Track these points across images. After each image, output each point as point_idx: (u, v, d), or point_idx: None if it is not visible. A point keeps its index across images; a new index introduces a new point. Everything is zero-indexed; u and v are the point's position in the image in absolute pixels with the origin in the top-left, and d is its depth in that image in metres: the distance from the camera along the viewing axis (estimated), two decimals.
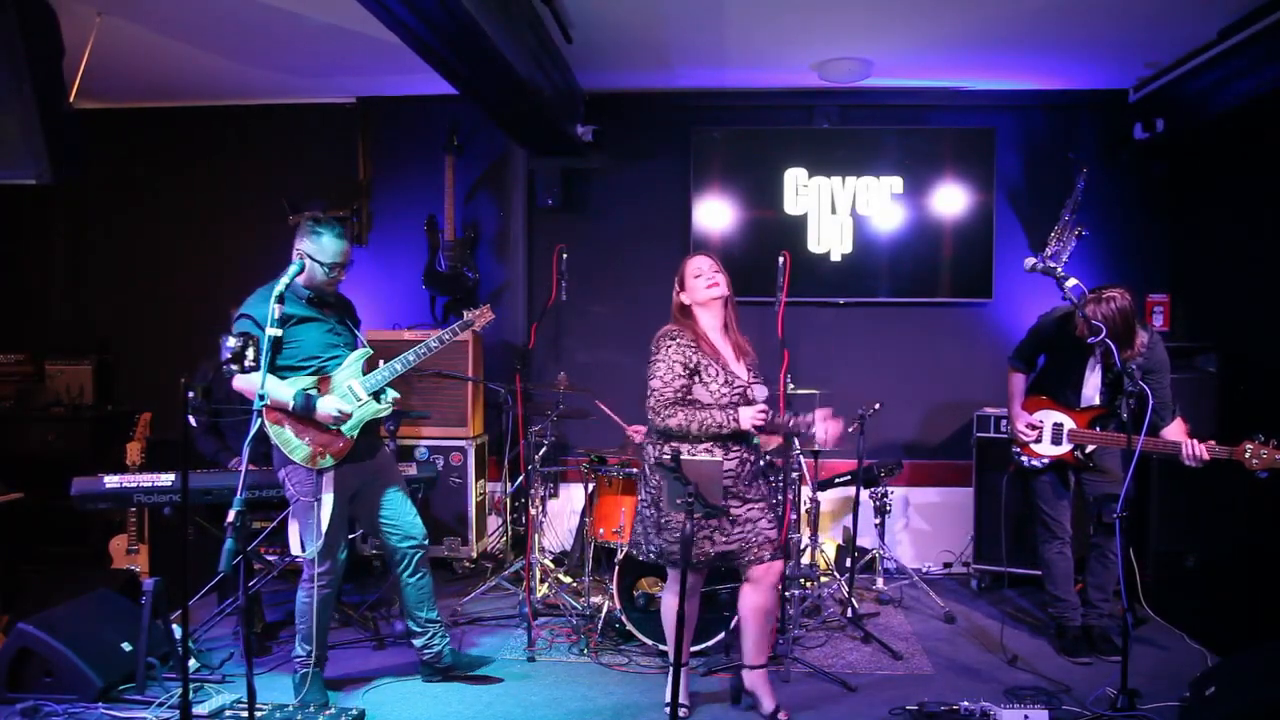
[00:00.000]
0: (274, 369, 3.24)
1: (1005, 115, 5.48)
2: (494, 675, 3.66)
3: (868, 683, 3.66)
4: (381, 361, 3.47)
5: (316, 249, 3.31)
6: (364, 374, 3.42)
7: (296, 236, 3.35)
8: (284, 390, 3.22)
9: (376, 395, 3.40)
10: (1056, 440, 3.88)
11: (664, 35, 4.59)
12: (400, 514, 3.51)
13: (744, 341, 3.31)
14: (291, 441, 3.25)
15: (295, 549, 3.34)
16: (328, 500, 3.26)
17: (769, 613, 3.30)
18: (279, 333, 2.88)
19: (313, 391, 3.26)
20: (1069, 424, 3.86)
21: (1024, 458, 3.95)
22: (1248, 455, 3.39)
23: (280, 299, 2.86)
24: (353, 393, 3.35)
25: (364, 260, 5.66)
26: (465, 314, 3.68)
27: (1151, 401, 3.49)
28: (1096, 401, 3.86)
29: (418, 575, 3.54)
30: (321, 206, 5.68)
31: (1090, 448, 3.85)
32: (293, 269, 2.83)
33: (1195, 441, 3.50)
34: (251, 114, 5.78)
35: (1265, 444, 3.36)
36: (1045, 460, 3.90)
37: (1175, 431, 3.67)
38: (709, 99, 5.59)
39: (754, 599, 3.24)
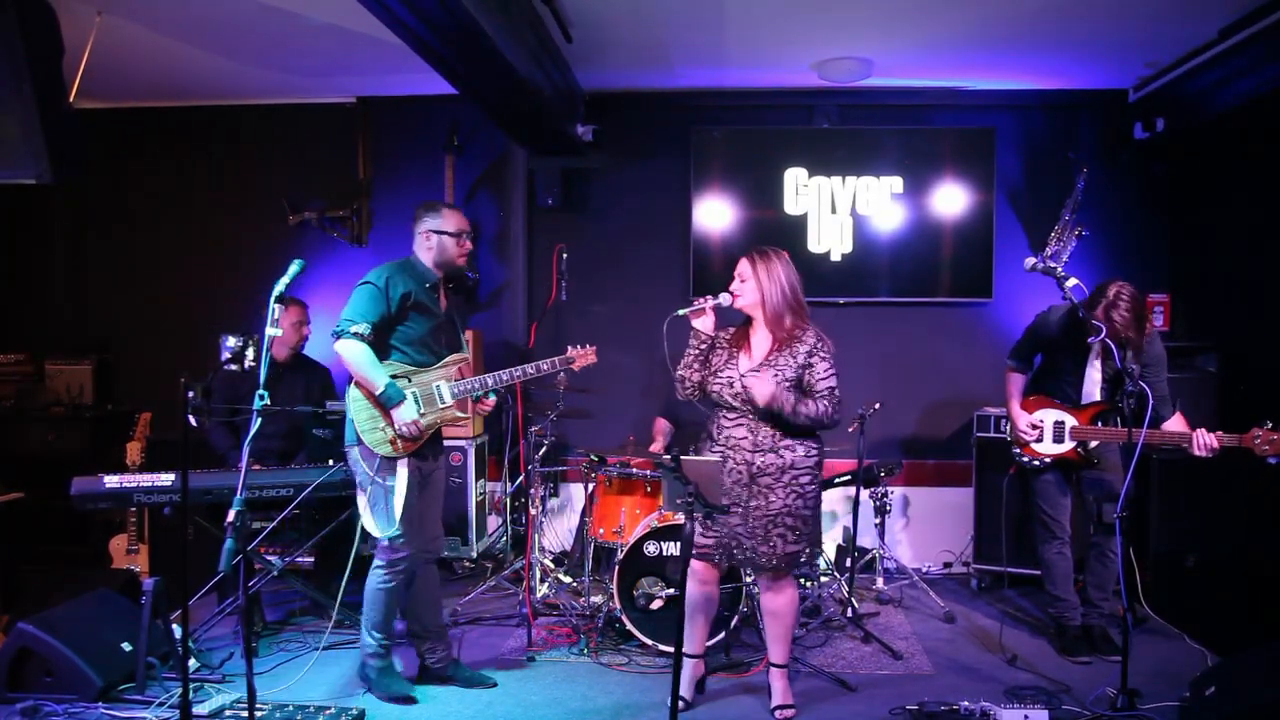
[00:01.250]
0: (381, 342, 3.28)
1: (1005, 115, 5.48)
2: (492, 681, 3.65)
3: (868, 682, 3.66)
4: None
5: (441, 221, 3.40)
6: (455, 379, 3.44)
7: (417, 223, 3.43)
8: (378, 373, 3.23)
9: (460, 403, 3.42)
10: (1058, 438, 3.87)
11: (664, 35, 4.59)
12: (435, 521, 3.54)
13: (798, 331, 3.20)
14: (368, 422, 3.26)
15: (370, 529, 3.34)
16: (401, 484, 3.28)
17: (772, 614, 3.32)
18: (278, 332, 2.87)
19: (410, 392, 3.28)
20: (1071, 421, 3.86)
21: (1025, 457, 3.95)
22: (1257, 441, 3.40)
23: (287, 299, 2.86)
24: (439, 393, 3.37)
25: (364, 260, 5.65)
26: (569, 350, 3.65)
27: (1151, 400, 3.49)
28: (1097, 397, 3.86)
29: (429, 583, 3.54)
30: (321, 206, 5.69)
31: (1093, 444, 3.85)
32: (293, 268, 2.82)
33: (1205, 431, 3.52)
34: (251, 114, 5.78)
35: (1275, 430, 3.37)
36: (1047, 459, 3.90)
37: (1177, 424, 3.69)
38: (709, 99, 5.59)
39: (763, 598, 3.31)
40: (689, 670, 3.42)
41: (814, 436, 3.25)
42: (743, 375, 3.18)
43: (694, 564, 3.26)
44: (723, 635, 3.76)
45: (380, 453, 3.27)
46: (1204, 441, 3.50)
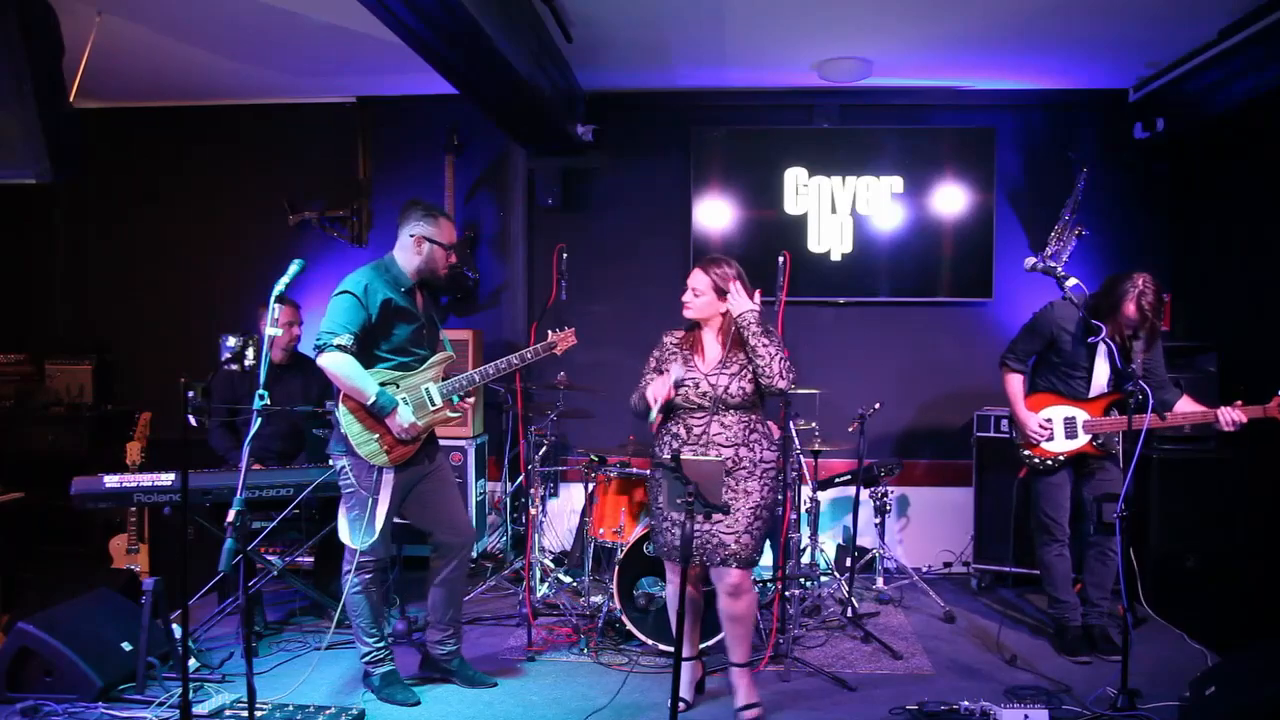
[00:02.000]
0: (363, 351, 3.23)
1: (1005, 115, 5.48)
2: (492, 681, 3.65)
3: (868, 682, 3.66)
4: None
5: (436, 230, 3.33)
6: (441, 379, 3.42)
7: (406, 223, 3.33)
8: (368, 383, 3.19)
9: (449, 403, 3.41)
10: (1070, 434, 3.87)
11: (664, 35, 4.59)
12: (455, 511, 3.51)
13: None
14: (361, 435, 3.23)
15: (344, 538, 3.32)
16: (384, 498, 3.26)
17: (735, 618, 3.26)
18: (279, 332, 2.87)
19: (400, 398, 3.26)
20: (1083, 416, 3.85)
21: (1036, 459, 3.94)
22: None
23: (280, 299, 2.85)
24: (428, 396, 3.35)
25: (364, 260, 5.63)
26: (549, 334, 3.66)
27: (1151, 398, 3.49)
28: (1106, 390, 3.86)
29: (457, 575, 3.52)
30: (321, 206, 5.70)
31: (1104, 435, 3.86)
32: (293, 268, 2.81)
33: (1228, 408, 3.56)
34: (251, 114, 5.78)
35: None
36: (1061, 456, 3.89)
37: (1188, 404, 3.74)
38: (709, 99, 5.60)
39: (719, 602, 3.28)
40: (688, 671, 3.43)
41: (771, 432, 3.32)
42: (707, 374, 3.23)
43: (671, 566, 3.29)
44: (723, 635, 3.75)
45: (376, 463, 3.25)
46: (1230, 417, 3.56)
